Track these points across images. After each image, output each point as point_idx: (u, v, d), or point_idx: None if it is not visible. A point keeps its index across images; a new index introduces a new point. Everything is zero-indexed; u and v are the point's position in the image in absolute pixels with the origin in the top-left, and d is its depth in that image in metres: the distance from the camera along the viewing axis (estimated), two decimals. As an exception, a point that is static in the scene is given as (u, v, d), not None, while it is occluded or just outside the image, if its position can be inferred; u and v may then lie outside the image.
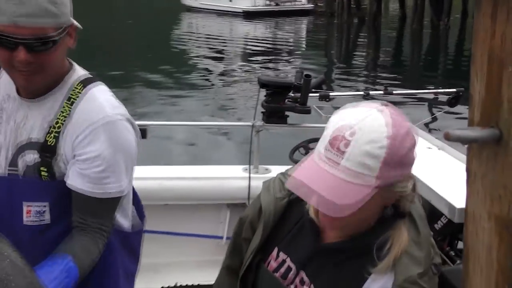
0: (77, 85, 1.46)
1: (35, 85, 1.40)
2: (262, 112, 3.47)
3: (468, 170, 0.88)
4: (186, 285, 3.30)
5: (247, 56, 18.56)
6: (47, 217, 1.47)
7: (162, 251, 3.29)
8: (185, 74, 15.01)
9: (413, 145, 1.09)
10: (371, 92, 4.04)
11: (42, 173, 1.43)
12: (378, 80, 13.96)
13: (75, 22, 1.41)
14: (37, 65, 1.32)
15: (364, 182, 1.04)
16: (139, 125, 3.51)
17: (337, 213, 1.05)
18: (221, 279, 1.46)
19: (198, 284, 3.19)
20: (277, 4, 33.21)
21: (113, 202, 1.47)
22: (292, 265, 1.23)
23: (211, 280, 1.50)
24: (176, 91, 12.57)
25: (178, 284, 3.30)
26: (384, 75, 15.22)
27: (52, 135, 1.43)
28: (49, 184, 1.45)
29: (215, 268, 1.54)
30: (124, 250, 1.63)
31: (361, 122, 1.04)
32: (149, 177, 3.31)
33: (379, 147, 1.03)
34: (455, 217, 2.28)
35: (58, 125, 1.43)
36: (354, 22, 28.81)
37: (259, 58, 17.83)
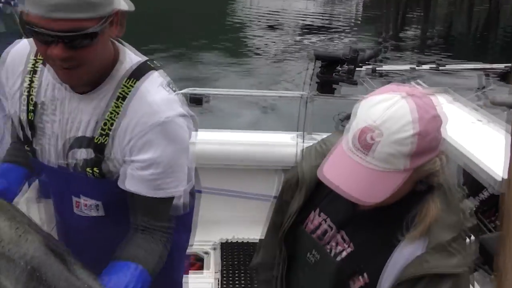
0: (126, 81, 1.31)
1: (77, 81, 1.27)
2: (316, 82, 3.63)
3: (512, 135, 0.87)
4: (243, 238, 3.54)
5: (303, 30, 18.39)
6: (96, 211, 1.45)
7: (220, 208, 3.52)
8: (241, 46, 15.10)
9: (440, 126, 1.07)
10: (418, 67, 4.03)
11: (91, 170, 1.36)
12: (429, 55, 13.61)
13: (123, 7, 1.23)
14: (77, 61, 1.18)
15: (393, 170, 1.04)
16: (196, 94, 3.74)
17: (367, 201, 1.07)
18: (267, 235, 1.52)
19: (253, 238, 3.38)
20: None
21: (175, 200, 1.41)
22: (332, 225, 1.26)
23: (263, 236, 1.57)
24: (233, 61, 12.69)
25: (235, 237, 3.55)
26: (436, 50, 14.81)
27: (100, 134, 1.32)
28: (98, 181, 1.37)
29: (266, 225, 1.57)
30: (177, 229, 1.54)
31: (387, 114, 1.02)
32: (209, 141, 3.53)
33: (405, 144, 1.01)
34: (496, 187, 2.29)
35: (106, 126, 1.31)
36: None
37: (314, 32, 17.66)
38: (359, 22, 22.03)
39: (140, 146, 1.29)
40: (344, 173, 1.07)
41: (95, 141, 1.33)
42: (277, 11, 23.40)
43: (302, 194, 1.31)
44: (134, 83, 1.31)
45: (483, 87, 4.45)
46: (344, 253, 1.22)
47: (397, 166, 1.04)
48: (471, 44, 17.21)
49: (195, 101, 3.70)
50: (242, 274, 3.19)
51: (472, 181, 2.85)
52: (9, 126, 1.52)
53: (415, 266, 1.10)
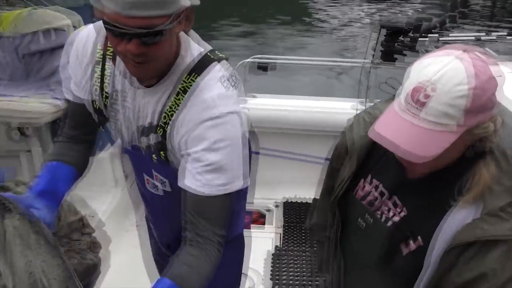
0: (186, 77, 1.32)
1: (146, 75, 1.31)
2: (380, 51, 3.65)
3: None
4: (304, 197, 3.70)
5: (364, 4, 17.95)
6: (164, 188, 1.51)
7: (283, 169, 3.72)
8: (306, 16, 14.98)
9: (496, 88, 1.03)
10: (482, 37, 3.91)
11: (157, 154, 1.40)
12: (498, 26, 12.93)
13: (191, 2, 1.23)
14: (147, 56, 1.21)
15: (445, 130, 1.01)
16: (262, 62, 3.76)
17: (420, 159, 1.03)
18: (321, 198, 1.54)
19: (314, 197, 3.51)
20: None
21: (226, 200, 1.33)
22: (384, 190, 1.26)
23: (317, 196, 1.61)
24: (297, 31, 12.67)
25: (297, 196, 3.72)
26: (509, 17, 14.04)
27: (163, 123, 1.35)
28: (165, 164, 1.41)
29: (321, 186, 1.60)
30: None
31: (441, 72, 1.00)
32: (274, 106, 3.69)
33: (460, 97, 0.98)
34: None
35: (167, 118, 1.34)
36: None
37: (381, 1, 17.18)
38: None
39: (192, 139, 1.29)
40: (396, 131, 1.04)
41: (159, 129, 1.36)
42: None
43: (354, 163, 1.31)
44: (195, 78, 1.32)
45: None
46: (396, 218, 1.21)
47: (451, 123, 1.01)
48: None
49: (261, 68, 3.80)
50: (302, 231, 3.36)
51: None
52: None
53: (468, 232, 1.08)
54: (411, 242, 1.18)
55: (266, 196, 3.62)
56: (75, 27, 2.94)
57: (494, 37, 4.03)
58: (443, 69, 1.00)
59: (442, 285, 1.13)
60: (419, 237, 1.17)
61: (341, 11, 15.88)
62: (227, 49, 9.51)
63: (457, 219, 1.10)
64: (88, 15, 1.55)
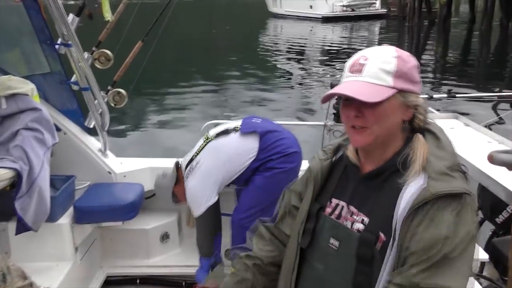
0: None
1: None
2: (333, 113, 3.56)
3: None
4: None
5: (324, 57, 18.43)
6: None
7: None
8: (267, 74, 15.18)
9: (415, 65, 1.22)
10: (434, 95, 3.95)
11: None
12: (445, 81, 13.35)
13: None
14: None
15: (383, 84, 1.17)
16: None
17: (370, 99, 1.14)
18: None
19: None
20: (353, 10, 32.53)
21: None
22: (344, 203, 1.30)
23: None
24: (260, 92, 12.65)
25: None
26: (452, 76, 14.50)
27: None
28: None
29: None
30: None
31: (373, 49, 1.23)
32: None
33: (388, 62, 1.18)
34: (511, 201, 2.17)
35: None
36: (424, 25, 27.67)
37: (335, 59, 17.64)
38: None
39: None
40: (347, 87, 1.20)
41: None
42: (301, 38, 23.53)
43: (315, 184, 1.37)
44: None
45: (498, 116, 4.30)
46: (360, 225, 1.24)
47: (385, 82, 1.17)
48: (488, 68, 16.82)
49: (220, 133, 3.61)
50: None
51: (490, 201, 2.74)
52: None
53: (421, 195, 1.12)
54: (382, 236, 1.19)
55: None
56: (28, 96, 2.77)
57: (446, 95, 4.08)
58: (374, 48, 1.24)
59: (405, 256, 1.13)
60: (381, 233, 1.19)
61: (302, 70, 16.17)
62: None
63: (410, 190, 1.15)
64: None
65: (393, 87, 1.17)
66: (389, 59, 1.19)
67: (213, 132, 2.78)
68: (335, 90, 1.21)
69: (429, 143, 1.21)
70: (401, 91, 1.18)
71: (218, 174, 2.64)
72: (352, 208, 1.28)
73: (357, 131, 1.21)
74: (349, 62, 1.24)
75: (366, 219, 1.24)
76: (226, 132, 2.72)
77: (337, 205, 1.32)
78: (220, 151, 2.66)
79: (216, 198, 2.67)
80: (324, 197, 1.36)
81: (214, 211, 2.74)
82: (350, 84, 1.20)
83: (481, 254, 2.35)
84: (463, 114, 3.24)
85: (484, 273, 2.50)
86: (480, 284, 2.09)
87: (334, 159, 1.39)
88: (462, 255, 1.10)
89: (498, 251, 2.49)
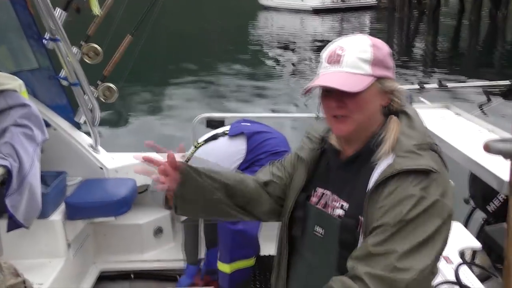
0: None
1: None
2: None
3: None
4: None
5: (314, 49, 18.39)
6: None
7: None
8: (259, 67, 15.13)
9: (389, 52, 1.26)
10: (425, 85, 3.94)
11: None
12: (436, 71, 13.38)
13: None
14: None
15: (362, 73, 1.19)
16: (218, 117, 3.58)
17: (351, 89, 1.17)
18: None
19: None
20: (343, 1, 32.48)
21: None
22: (329, 192, 1.32)
23: None
24: (251, 84, 12.61)
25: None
26: (442, 66, 14.54)
27: None
28: None
29: None
30: None
31: (348, 39, 1.25)
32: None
33: (364, 51, 1.21)
34: (502, 189, 2.15)
35: None
36: (414, 16, 27.72)
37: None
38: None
39: None
40: (328, 78, 1.21)
41: None
42: (291, 30, 23.46)
43: (306, 172, 1.39)
44: None
45: (488, 101, 4.30)
46: (340, 211, 1.26)
47: (363, 70, 1.20)
48: (477, 58, 16.87)
49: (212, 125, 3.59)
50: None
51: (482, 190, 2.76)
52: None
53: (388, 169, 1.16)
54: (360, 219, 1.20)
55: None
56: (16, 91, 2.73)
57: (436, 85, 4.08)
58: (349, 38, 1.26)
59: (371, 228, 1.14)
60: (360, 216, 1.20)
61: (292, 61, 16.12)
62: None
63: (380, 167, 1.18)
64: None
65: (371, 75, 1.20)
66: (365, 47, 1.21)
67: (202, 138, 2.78)
68: (317, 82, 1.22)
69: (402, 123, 1.24)
70: (379, 78, 1.22)
71: None
72: (335, 196, 1.30)
73: (339, 120, 1.24)
74: (325, 53, 1.26)
75: (345, 204, 1.26)
76: (214, 137, 2.73)
77: (323, 194, 1.34)
78: (209, 156, 2.65)
79: None
80: (310, 187, 1.38)
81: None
82: (330, 75, 1.21)
83: (473, 242, 2.36)
84: (454, 103, 3.23)
85: (476, 261, 2.51)
86: (473, 272, 2.10)
87: (320, 149, 1.41)
88: (422, 226, 1.10)
89: (491, 239, 2.50)
